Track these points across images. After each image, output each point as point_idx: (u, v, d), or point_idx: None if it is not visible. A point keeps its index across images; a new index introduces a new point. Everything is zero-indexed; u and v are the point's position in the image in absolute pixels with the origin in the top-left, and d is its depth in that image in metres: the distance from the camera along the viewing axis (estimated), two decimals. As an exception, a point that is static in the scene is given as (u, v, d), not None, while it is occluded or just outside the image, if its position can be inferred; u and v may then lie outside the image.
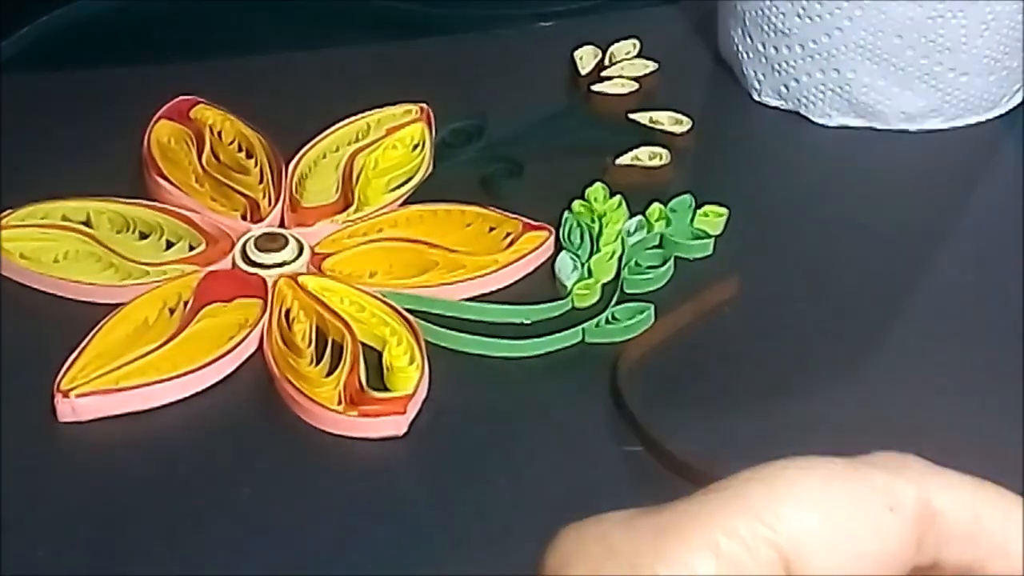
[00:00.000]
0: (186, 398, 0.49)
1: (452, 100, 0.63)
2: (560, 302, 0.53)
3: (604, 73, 0.67)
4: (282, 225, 0.56)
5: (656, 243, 0.56)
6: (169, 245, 0.55)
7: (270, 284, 0.53)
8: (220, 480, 0.46)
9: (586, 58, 0.68)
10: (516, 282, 0.54)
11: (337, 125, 0.61)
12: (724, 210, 0.57)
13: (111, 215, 0.56)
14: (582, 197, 0.57)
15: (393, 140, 0.60)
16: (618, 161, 0.61)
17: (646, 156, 0.61)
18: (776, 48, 0.64)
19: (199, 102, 0.62)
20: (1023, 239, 0.57)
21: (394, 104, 0.62)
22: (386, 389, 0.48)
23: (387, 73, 0.68)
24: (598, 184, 0.58)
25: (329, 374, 0.49)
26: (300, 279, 0.53)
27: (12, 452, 0.46)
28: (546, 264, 0.55)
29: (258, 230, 0.55)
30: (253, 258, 0.53)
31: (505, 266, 0.54)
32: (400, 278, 0.54)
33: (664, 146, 0.62)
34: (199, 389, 0.49)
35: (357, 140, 0.61)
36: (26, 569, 0.43)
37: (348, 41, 0.71)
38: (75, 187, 0.57)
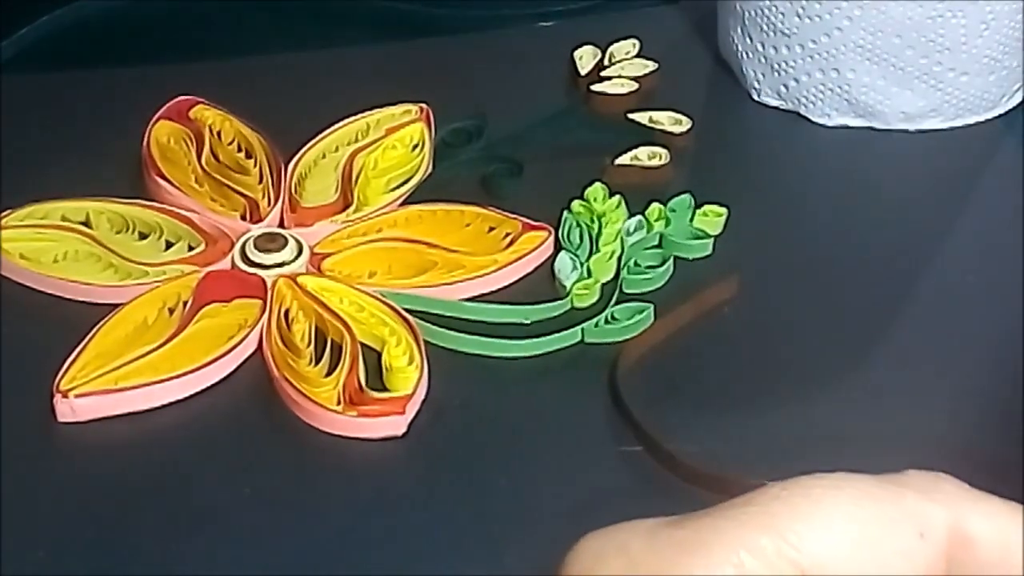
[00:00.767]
0: (185, 398, 0.49)
1: (452, 100, 0.63)
2: (559, 302, 0.53)
3: (604, 73, 0.67)
4: (281, 225, 0.56)
5: (655, 243, 0.56)
6: (168, 245, 0.55)
7: (269, 284, 0.53)
8: (219, 480, 0.46)
9: (586, 58, 0.68)
10: (515, 282, 0.54)
11: (337, 125, 0.61)
12: (723, 210, 0.57)
13: (111, 215, 0.56)
14: (581, 197, 0.57)
15: (393, 140, 0.60)
16: (617, 161, 0.61)
17: (645, 156, 0.61)
18: (776, 48, 0.64)
19: (199, 102, 0.62)
20: (1023, 239, 0.57)
21: (394, 104, 0.62)
22: (385, 389, 0.48)
23: (387, 73, 0.68)
24: (597, 184, 0.58)
25: (328, 374, 0.49)
26: (299, 279, 0.53)
27: (11, 452, 0.46)
28: (545, 264, 0.55)
29: (257, 230, 0.55)
30: (252, 258, 0.53)
31: (504, 266, 0.54)
32: (399, 278, 0.54)
33: (664, 146, 0.62)
34: (198, 389, 0.49)
35: (357, 140, 0.61)
36: (26, 569, 0.43)
37: (348, 41, 0.71)
38: (75, 187, 0.57)
